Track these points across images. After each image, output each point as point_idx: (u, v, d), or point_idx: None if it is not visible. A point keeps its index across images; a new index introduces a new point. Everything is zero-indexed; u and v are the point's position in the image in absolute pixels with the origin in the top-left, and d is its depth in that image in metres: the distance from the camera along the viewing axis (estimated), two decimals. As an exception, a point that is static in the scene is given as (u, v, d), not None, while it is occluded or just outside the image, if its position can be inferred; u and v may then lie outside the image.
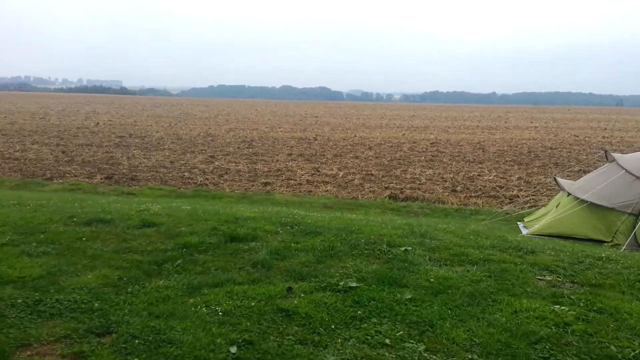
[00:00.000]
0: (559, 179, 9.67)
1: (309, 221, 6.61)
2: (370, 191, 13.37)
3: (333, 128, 35.68)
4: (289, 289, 3.99)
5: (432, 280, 4.36)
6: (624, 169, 8.55)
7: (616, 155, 9.17)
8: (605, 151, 9.67)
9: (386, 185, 14.11)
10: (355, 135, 29.64)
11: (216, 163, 17.78)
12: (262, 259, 4.74)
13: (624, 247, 7.43)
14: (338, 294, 3.96)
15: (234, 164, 17.64)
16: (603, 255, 5.39)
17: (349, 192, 13.21)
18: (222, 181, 14.43)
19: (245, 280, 4.18)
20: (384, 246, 5.35)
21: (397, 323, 3.52)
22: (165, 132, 28.89)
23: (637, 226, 7.63)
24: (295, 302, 3.72)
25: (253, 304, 3.62)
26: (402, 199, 12.24)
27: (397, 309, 3.73)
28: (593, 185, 8.60)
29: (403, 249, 5.27)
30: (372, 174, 16.01)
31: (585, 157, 20.13)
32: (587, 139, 30.02)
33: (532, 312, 3.75)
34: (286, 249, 5.15)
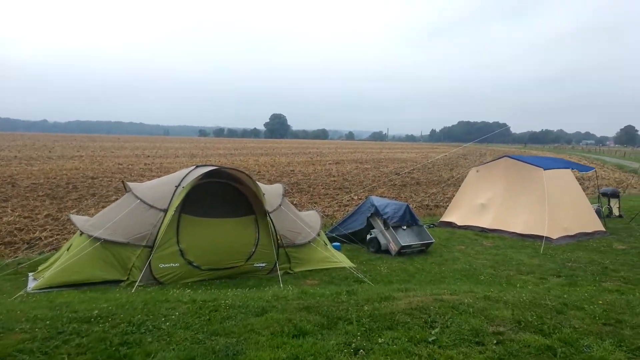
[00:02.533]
0: (73, 217, 8.40)
1: None
2: None
3: None
4: None
5: None
6: (139, 198, 8.20)
7: (132, 184, 8.78)
8: (123, 182, 9.19)
9: None
10: None
11: None
12: None
13: (137, 283, 6.94)
14: None
15: None
16: (92, 314, 4.42)
17: None
18: None
19: None
20: None
21: None
22: None
23: (151, 257, 7.30)
24: None
25: None
26: None
27: None
28: (109, 219, 7.85)
29: None
30: None
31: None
32: (130, 166, 30.68)
33: None
34: None
